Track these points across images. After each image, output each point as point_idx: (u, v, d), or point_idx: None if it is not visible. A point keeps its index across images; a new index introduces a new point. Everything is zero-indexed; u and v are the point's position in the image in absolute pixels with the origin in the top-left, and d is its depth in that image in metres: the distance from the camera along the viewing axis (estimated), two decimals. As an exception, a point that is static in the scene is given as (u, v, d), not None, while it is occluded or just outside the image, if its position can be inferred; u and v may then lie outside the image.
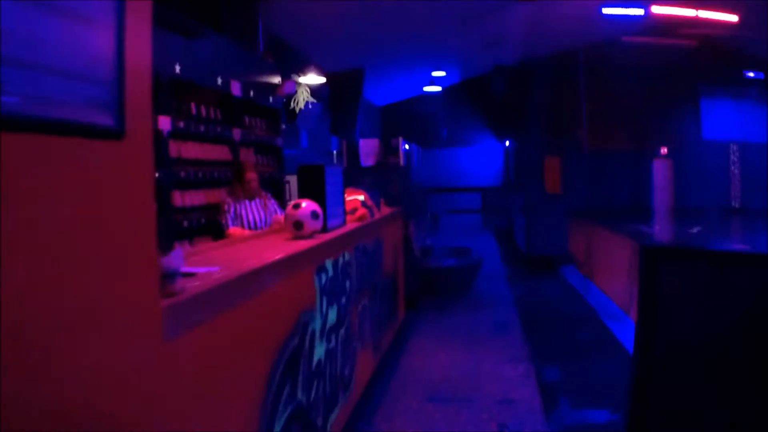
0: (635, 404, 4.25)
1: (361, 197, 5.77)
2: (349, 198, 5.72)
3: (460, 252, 8.98)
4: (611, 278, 7.69)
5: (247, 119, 7.25)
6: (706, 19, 9.74)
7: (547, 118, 12.74)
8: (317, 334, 3.41)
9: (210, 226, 5.90)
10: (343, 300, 4.04)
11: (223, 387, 2.30)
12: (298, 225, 4.08)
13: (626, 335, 6.19)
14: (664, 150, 11.41)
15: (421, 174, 14.54)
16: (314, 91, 11.84)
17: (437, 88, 14.70)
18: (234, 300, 2.44)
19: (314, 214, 4.09)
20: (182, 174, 5.72)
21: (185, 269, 2.75)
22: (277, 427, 2.79)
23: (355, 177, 7.57)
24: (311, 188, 4.44)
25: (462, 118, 17.01)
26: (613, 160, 11.43)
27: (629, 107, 11.62)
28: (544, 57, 12.62)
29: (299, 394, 3.08)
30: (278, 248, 3.37)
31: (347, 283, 4.16)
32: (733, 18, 9.66)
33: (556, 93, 12.84)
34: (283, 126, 8.26)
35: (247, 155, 7.14)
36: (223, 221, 5.61)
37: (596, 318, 7.16)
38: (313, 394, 3.32)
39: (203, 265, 2.93)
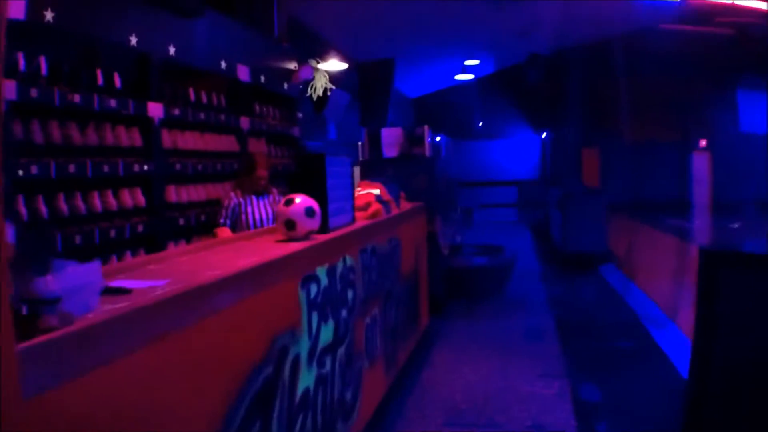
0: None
1: (377, 191, 5.15)
2: (361, 192, 5.11)
3: (491, 250, 8.28)
4: (654, 279, 6.97)
5: (257, 107, 6.68)
6: (742, 6, 9.05)
7: (585, 109, 12.22)
8: (303, 359, 2.80)
9: (212, 223, 5.34)
10: (344, 313, 3.42)
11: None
12: (290, 224, 3.49)
13: (671, 344, 5.49)
14: (702, 143, 10.77)
15: (455, 167, 13.90)
16: (343, 81, 11.32)
17: (470, 76, 14.01)
18: (165, 327, 1.84)
19: (309, 212, 3.49)
20: (177, 166, 5.17)
21: (121, 284, 2.18)
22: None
23: (376, 169, 6.94)
24: (310, 181, 3.83)
25: (497, 109, 16.37)
26: (653, 152, 10.78)
27: (667, 98, 11.06)
28: (579, 46, 12.04)
29: (274, 436, 2.48)
30: (259, 254, 2.78)
31: (349, 293, 3.54)
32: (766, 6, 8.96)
33: (592, 83, 12.34)
34: (300, 114, 7.68)
35: (258, 146, 6.59)
36: (219, 218, 5.04)
37: (638, 323, 6.44)
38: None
39: (157, 276, 2.37)
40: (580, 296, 8.05)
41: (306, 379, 2.83)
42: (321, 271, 3.07)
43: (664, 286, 6.47)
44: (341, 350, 3.35)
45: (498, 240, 9.15)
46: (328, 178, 3.85)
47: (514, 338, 6.11)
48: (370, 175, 6.53)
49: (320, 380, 3.01)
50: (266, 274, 2.49)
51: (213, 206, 5.57)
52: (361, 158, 7.60)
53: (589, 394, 4.65)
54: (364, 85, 12.94)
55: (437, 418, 4.29)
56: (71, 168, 4.07)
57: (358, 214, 4.80)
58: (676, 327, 5.74)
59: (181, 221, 5.17)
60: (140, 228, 4.68)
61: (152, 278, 2.32)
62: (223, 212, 5.08)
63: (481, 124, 16.99)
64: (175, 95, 5.27)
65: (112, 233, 4.39)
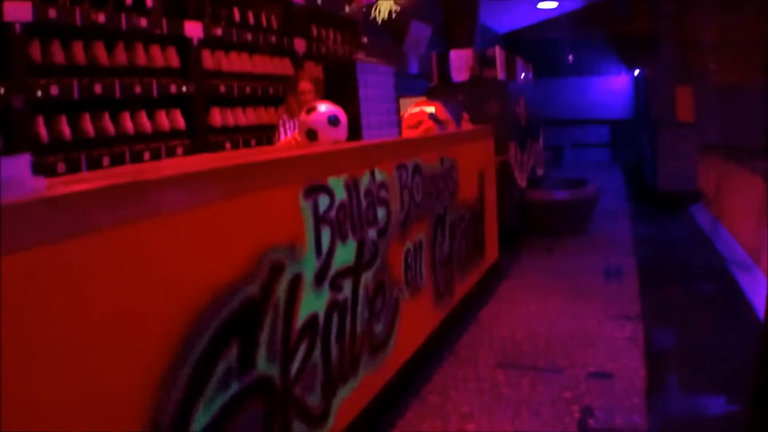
0: (762, 390, 2.97)
1: (431, 108, 4.68)
2: (413, 110, 4.65)
3: (574, 183, 7.62)
4: (741, 221, 6.21)
5: (314, 29, 6.27)
6: None
7: (678, 46, 11.32)
8: (308, 280, 2.42)
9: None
10: (371, 234, 3.02)
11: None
12: (311, 134, 3.11)
13: (755, 289, 4.78)
14: None
15: (546, 104, 13.20)
16: (425, 14, 10.72)
17: (553, 4, 13.10)
18: (78, 225, 1.50)
19: (333, 120, 3.10)
20: (222, 89, 4.86)
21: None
22: (207, 410, 1.86)
23: (445, 94, 6.41)
24: (339, 91, 3.42)
25: (589, 45, 15.44)
26: (743, 95, 9.80)
27: (758, 40, 9.97)
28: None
29: (261, 363, 2.13)
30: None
31: (379, 212, 3.12)
32: None
33: (685, 18, 11.37)
34: (365, 39, 7.21)
35: (316, 71, 6.19)
36: (276, 138, 4.67)
37: (723, 266, 5.69)
38: (297, 363, 2.36)
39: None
40: (666, 236, 7.30)
41: (312, 304, 2.46)
42: (335, 183, 2.66)
43: (750, 229, 5.75)
44: (367, 275, 2.96)
45: (589, 179, 8.43)
46: (361, 87, 3.42)
47: (590, 277, 5.54)
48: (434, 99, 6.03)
49: (334, 306, 2.64)
50: (245, 178, 2.11)
51: (265, 131, 5.26)
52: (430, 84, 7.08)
53: (663, 339, 4.09)
54: (447, 17, 12.30)
55: (491, 359, 3.85)
56: (97, 88, 3.83)
57: (408, 132, 4.36)
58: (760, 271, 5.04)
59: (228, 145, 4.90)
60: (179, 151, 4.42)
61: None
62: (282, 131, 4.66)
63: (571, 59, 15.99)
64: (217, 15, 4.93)
65: (146, 156, 4.15)
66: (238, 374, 2.02)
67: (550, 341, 4.08)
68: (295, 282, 2.33)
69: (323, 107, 3.14)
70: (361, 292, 2.89)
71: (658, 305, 4.72)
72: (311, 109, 3.12)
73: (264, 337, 2.15)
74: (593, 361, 3.72)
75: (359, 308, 2.87)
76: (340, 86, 3.40)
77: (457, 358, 3.88)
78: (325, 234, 2.56)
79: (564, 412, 3.13)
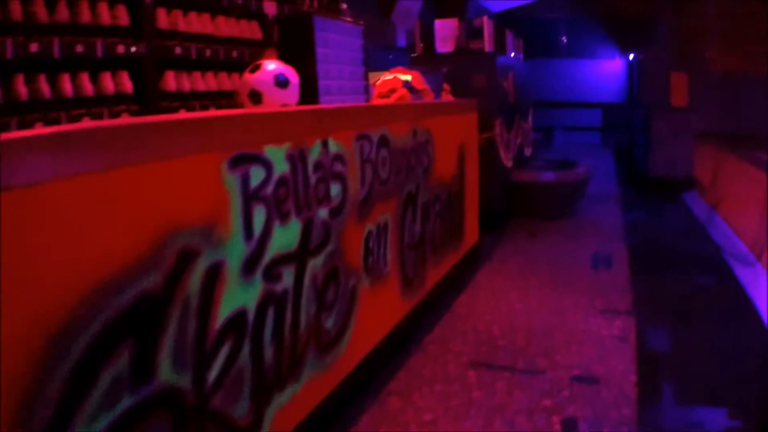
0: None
1: (407, 77, 4.25)
2: (386, 77, 4.22)
3: (562, 165, 7.22)
4: (740, 213, 5.82)
5: (288, -8, 5.79)
6: None
7: (674, 33, 11.06)
8: (232, 269, 2.01)
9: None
10: (322, 214, 2.60)
11: None
12: (254, 96, 2.70)
13: (757, 287, 4.38)
14: None
15: (537, 85, 12.80)
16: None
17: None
18: None
19: (280, 81, 2.67)
20: (177, 50, 4.41)
21: None
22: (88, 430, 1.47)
23: (429, 66, 5.98)
24: (292, 48, 3.00)
25: (584, 28, 15.17)
26: (741, 84, 9.49)
27: (756, 29, 9.69)
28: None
29: (165, 372, 1.72)
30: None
31: (333, 189, 2.70)
32: None
33: (682, 4, 11.12)
34: (344, 6, 6.73)
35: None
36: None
37: (720, 259, 5.28)
38: (217, 370, 1.95)
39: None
40: (659, 224, 6.91)
41: (239, 297, 2.05)
42: (274, 153, 2.24)
43: (751, 222, 5.36)
44: (315, 262, 2.54)
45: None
46: (320, 45, 2.99)
47: (578, 265, 5.14)
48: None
49: (270, 299, 2.22)
50: (138, 142, 1.68)
51: (227, 98, 4.82)
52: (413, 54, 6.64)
53: (656, 340, 3.69)
54: (440, -8, 11.90)
55: (463, 356, 3.45)
56: (33, 47, 3.39)
57: (378, 101, 3.94)
58: (762, 267, 4.66)
59: (182, 111, 4.45)
60: (125, 116, 3.99)
61: None
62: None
63: (565, 40, 15.63)
64: (175, -30, 4.47)
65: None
66: (130, 386, 1.61)
67: (530, 337, 3.69)
68: (214, 271, 1.92)
69: (271, 65, 2.72)
70: (307, 281, 2.48)
71: (651, 300, 4.32)
72: (256, 67, 2.70)
73: (168, 340, 1.74)
74: (577, 362, 3.33)
75: (303, 301, 2.46)
76: (293, 43, 2.98)
77: (424, 354, 3.48)
78: (258, 213, 2.14)
79: (543, 423, 2.74)
